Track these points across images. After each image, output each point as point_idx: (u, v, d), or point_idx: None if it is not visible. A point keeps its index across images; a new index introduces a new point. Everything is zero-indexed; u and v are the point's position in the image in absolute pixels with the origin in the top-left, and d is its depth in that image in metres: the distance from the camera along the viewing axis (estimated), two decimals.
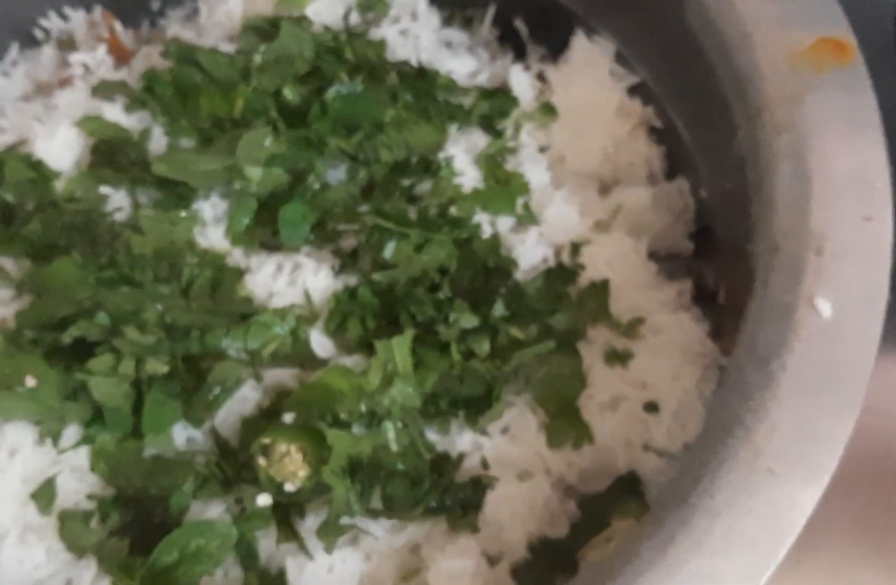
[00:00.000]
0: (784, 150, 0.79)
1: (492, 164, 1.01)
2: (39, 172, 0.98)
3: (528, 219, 0.98)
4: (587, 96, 1.05)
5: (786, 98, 0.81)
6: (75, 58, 1.10)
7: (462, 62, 1.10)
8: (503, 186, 0.99)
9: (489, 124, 1.04)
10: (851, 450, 0.78)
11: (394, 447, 0.82)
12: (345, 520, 0.81)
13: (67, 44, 1.17)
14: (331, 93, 1.00)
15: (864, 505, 0.95)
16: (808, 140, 0.78)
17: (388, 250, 0.93)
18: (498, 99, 1.05)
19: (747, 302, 0.78)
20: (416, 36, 1.12)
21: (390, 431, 0.83)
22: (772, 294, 0.74)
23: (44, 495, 0.84)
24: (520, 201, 0.98)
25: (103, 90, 1.05)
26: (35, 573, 0.83)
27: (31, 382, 0.83)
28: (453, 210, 0.96)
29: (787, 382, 0.69)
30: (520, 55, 1.14)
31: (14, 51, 1.17)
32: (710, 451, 0.69)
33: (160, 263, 0.91)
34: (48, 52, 1.16)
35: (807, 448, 0.67)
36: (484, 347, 0.87)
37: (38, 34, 1.19)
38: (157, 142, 1.02)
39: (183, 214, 0.95)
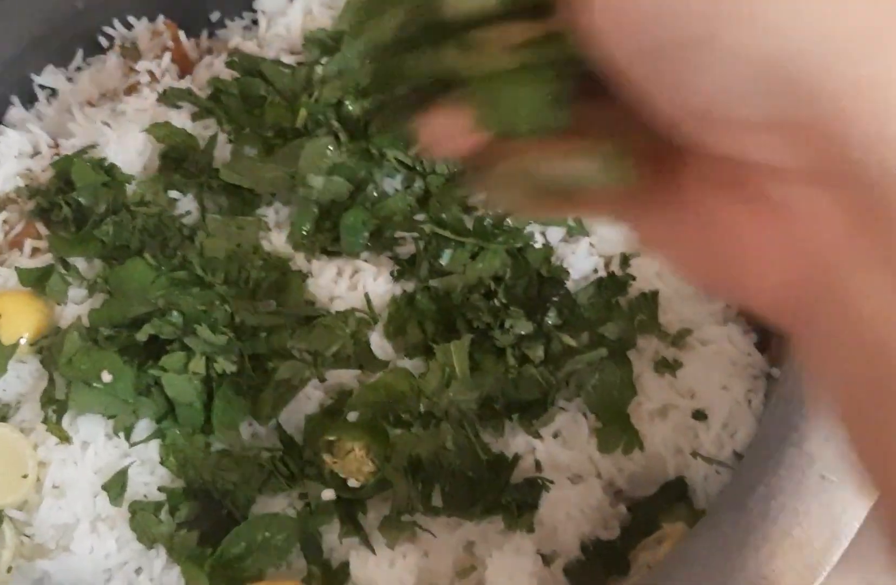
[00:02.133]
0: None
1: None
2: (112, 176, 1.01)
3: (578, 230, 1.01)
4: None
5: None
6: (141, 65, 1.14)
7: None
8: None
9: None
10: None
11: (451, 447, 0.86)
12: (405, 517, 0.84)
13: (131, 52, 1.21)
14: None
15: None
16: None
17: (445, 258, 0.96)
18: None
19: None
20: None
21: (448, 431, 0.86)
22: None
23: (115, 486, 0.88)
24: None
25: (170, 97, 1.09)
26: (105, 561, 0.87)
27: (107, 377, 0.86)
28: (508, 220, 0.99)
29: None
30: None
31: (79, 57, 1.22)
32: (766, 457, 0.73)
33: (230, 265, 0.94)
34: (112, 60, 1.20)
35: None
36: (538, 353, 0.90)
37: (103, 42, 1.23)
38: (221, 149, 1.06)
39: (250, 218, 0.98)
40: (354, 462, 0.84)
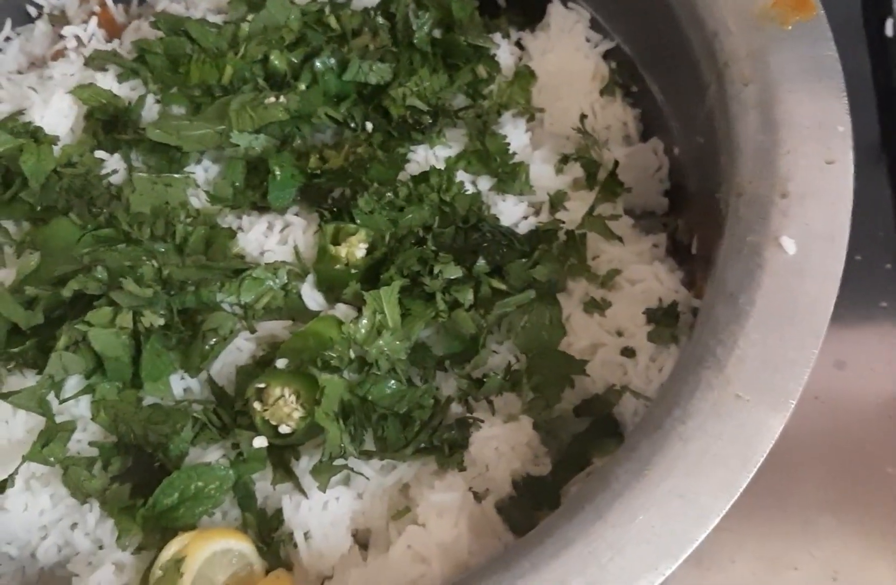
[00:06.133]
0: (751, 100, 0.83)
1: (473, 126, 1.04)
2: (37, 139, 1.01)
3: (508, 177, 1.01)
4: (564, 61, 1.08)
5: (751, 52, 0.84)
6: (68, 30, 1.14)
7: None
8: (483, 147, 1.02)
9: (473, 88, 1.07)
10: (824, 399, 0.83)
11: (383, 391, 0.86)
12: (338, 461, 0.84)
13: (59, 19, 1.20)
14: (320, 64, 1.04)
15: (836, 451, 0.99)
16: (773, 90, 0.82)
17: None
18: (480, 64, 1.08)
19: (717, 244, 0.81)
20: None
21: (380, 376, 0.86)
22: (740, 235, 0.78)
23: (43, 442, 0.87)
24: (500, 161, 1.01)
25: (96, 60, 1.08)
26: (40, 518, 0.87)
27: None
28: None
29: (755, 315, 0.73)
30: (496, 24, 1.17)
31: (8, 27, 1.21)
32: (683, 381, 0.73)
33: (156, 221, 0.94)
34: (41, 27, 1.19)
35: (773, 375, 0.70)
36: (468, 296, 0.90)
37: (32, 11, 1.22)
38: (149, 109, 1.06)
39: (177, 176, 0.98)
40: (284, 408, 0.84)
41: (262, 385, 0.84)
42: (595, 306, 0.92)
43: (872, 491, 0.97)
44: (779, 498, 0.99)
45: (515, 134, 1.03)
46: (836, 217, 0.76)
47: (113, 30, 1.16)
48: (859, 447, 1.01)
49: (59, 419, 0.88)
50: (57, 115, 1.04)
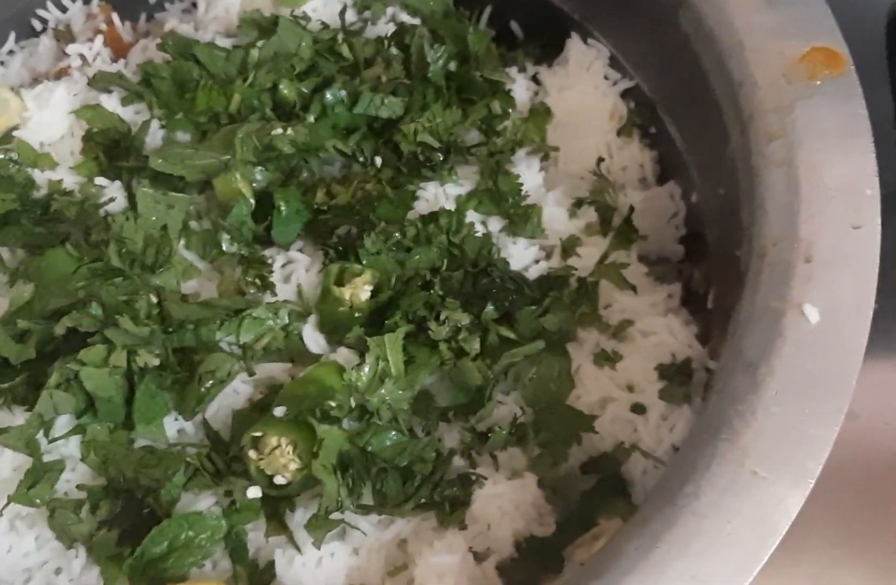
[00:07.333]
0: (775, 157, 0.80)
1: (486, 164, 1.01)
2: (35, 161, 0.98)
3: (520, 220, 0.98)
4: (581, 99, 1.06)
5: (778, 106, 0.82)
6: (73, 48, 1.11)
7: None
8: (496, 186, 0.99)
9: (487, 124, 1.04)
10: (835, 453, 0.80)
11: (382, 443, 0.83)
12: (334, 515, 0.81)
13: (65, 35, 1.17)
14: (330, 96, 1.01)
15: (848, 508, 0.97)
16: (798, 148, 0.79)
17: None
18: (496, 99, 1.05)
19: (735, 307, 0.79)
20: None
21: (380, 428, 0.84)
22: (760, 300, 0.75)
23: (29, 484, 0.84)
24: (511, 202, 0.99)
25: (100, 81, 1.05)
26: (24, 561, 0.84)
27: None
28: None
29: (775, 386, 0.70)
30: (513, 57, 1.14)
31: (11, 40, 1.18)
32: (698, 453, 0.70)
33: (147, 250, 0.91)
34: (46, 43, 1.16)
35: (793, 452, 0.68)
36: (474, 345, 0.87)
37: (36, 24, 1.19)
38: (153, 134, 1.03)
39: (180, 195, 0.95)
40: (280, 459, 0.81)
41: (258, 434, 0.82)
42: (606, 359, 0.90)
43: (886, 550, 0.95)
44: (790, 554, 0.96)
45: (529, 173, 1.01)
46: (862, 286, 0.73)
47: (119, 49, 1.13)
48: (872, 504, 0.99)
49: (46, 458, 0.85)
50: (56, 135, 1.01)
